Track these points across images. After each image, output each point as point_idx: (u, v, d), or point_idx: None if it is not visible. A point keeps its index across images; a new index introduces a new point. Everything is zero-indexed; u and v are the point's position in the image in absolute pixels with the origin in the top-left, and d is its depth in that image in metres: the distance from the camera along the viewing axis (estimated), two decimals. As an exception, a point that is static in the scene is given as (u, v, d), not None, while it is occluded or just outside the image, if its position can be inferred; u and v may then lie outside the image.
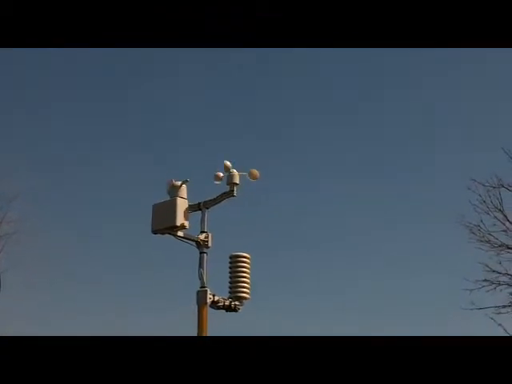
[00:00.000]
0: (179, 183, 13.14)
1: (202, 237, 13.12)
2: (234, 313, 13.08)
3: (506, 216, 18.56)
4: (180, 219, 12.89)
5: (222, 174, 13.25)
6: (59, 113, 38.91)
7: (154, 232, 13.13)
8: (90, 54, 34.12)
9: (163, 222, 13.02)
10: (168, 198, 13.18)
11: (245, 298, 13.11)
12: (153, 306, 31.12)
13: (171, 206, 12.98)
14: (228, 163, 13.26)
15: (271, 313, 29.55)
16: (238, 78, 39.02)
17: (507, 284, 18.21)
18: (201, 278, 12.92)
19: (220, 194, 13.36)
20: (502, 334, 17.22)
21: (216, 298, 12.83)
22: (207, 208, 13.34)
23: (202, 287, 12.88)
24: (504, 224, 18.55)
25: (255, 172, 13.33)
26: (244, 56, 38.23)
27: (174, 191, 13.11)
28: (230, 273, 13.23)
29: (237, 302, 13.03)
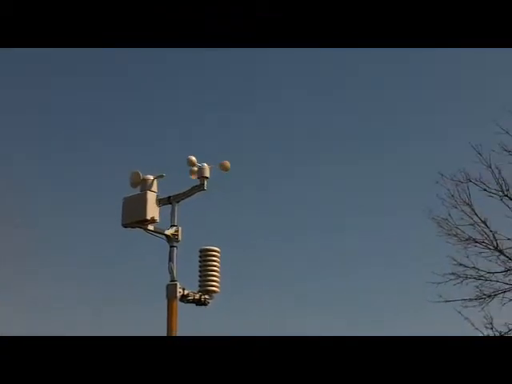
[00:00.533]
0: (152, 178, 13.11)
1: (172, 231, 13.07)
2: (203, 306, 13.10)
3: (473, 210, 18.73)
4: (150, 213, 12.83)
5: (196, 168, 13.24)
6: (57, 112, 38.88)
7: (124, 225, 13.07)
8: (90, 54, 34.11)
9: (133, 216, 12.95)
10: (136, 192, 13.13)
11: (214, 292, 13.11)
12: (122, 300, 31.03)
13: (141, 200, 12.92)
14: (193, 158, 13.25)
15: (241, 306, 29.54)
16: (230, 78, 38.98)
17: (474, 278, 18.37)
18: (171, 271, 12.89)
19: (190, 187, 13.34)
20: (468, 327, 17.35)
21: (186, 292, 12.81)
22: (177, 202, 13.28)
23: (171, 281, 12.84)
24: (472, 218, 18.72)
25: (226, 163, 13.33)
26: (244, 56, 38.23)
27: (144, 185, 13.09)
28: (199, 267, 13.19)
29: (206, 296, 13.01)
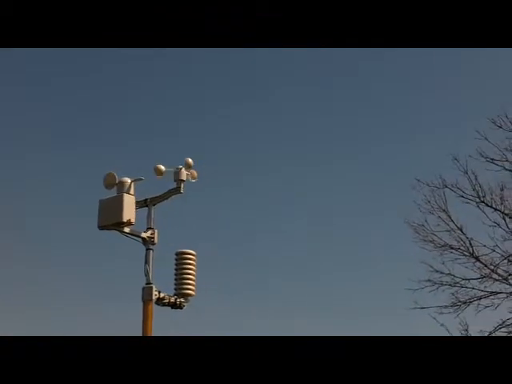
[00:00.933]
0: (129, 180, 13.10)
1: (148, 233, 13.13)
2: (178, 310, 13.11)
3: (449, 216, 18.69)
4: (126, 215, 12.84)
5: (164, 168, 13.25)
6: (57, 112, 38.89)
7: (101, 228, 13.08)
8: (90, 54, 34.12)
9: (110, 218, 12.97)
10: (111, 194, 13.16)
11: (190, 295, 13.16)
12: (98, 302, 31.10)
13: (118, 202, 12.93)
14: (161, 167, 13.26)
15: (216, 310, 29.61)
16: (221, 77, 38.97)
17: (449, 284, 18.33)
18: (146, 274, 12.92)
19: (167, 190, 13.38)
20: (444, 333, 17.33)
21: (161, 295, 12.86)
22: (154, 205, 13.35)
23: (147, 283, 12.89)
24: (448, 224, 18.69)
25: (194, 173, 13.39)
26: (244, 56, 38.24)
27: (121, 187, 13.08)
28: (175, 270, 13.26)
29: (182, 299, 13.06)
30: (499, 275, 17.95)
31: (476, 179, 18.39)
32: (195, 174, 13.44)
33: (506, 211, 18.09)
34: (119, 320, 27.30)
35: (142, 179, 13.20)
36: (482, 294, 18.10)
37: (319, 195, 36.41)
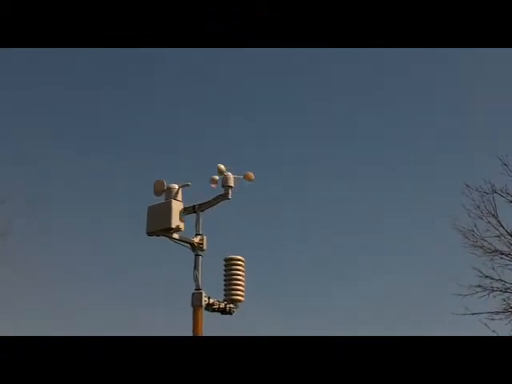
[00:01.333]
0: (177, 186, 13.17)
1: (197, 239, 13.13)
2: (228, 315, 13.11)
3: (499, 221, 18.55)
4: (175, 221, 12.89)
5: (217, 177, 13.29)
6: (58, 113, 38.89)
7: (149, 234, 13.13)
8: (90, 54, 34.10)
9: (158, 224, 13.01)
10: (161, 200, 13.21)
11: (239, 301, 13.14)
12: (147, 308, 31.14)
13: (166, 208, 12.98)
14: (222, 166, 13.30)
15: (266, 315, 29.56)
16: (236, 78, 38.98)
17: (500, 290, 18.13)
18: (196, 280, 12.92)
19: (215, 196, 13.40)
20: None
21: (211, 301, 12.85)
22: (202, 210, 13.36)
23: (196, 289, 12.87)
24: (497, 229, 18.52)
25: (250, 174, 13.38)
26: (244, 56, 38.22)
27: (169, 194, 13.15)
28: (224, 276, 13.26)
29: (231, 305, 13.05)
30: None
31: None
32: (252, 175, 13.40)
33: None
34: (169, 326, 27.29)
35: (188, 185, 13.24)
36: None
37: (369, 200, 36.38)
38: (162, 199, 13.28)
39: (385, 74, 38.49)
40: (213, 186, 13.29)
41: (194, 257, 13.10)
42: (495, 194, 18.65)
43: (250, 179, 13.40)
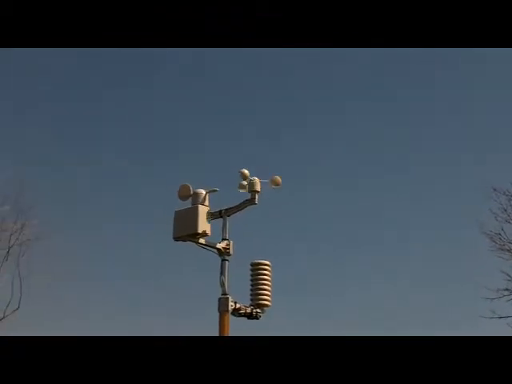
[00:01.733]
0: (204, 192, 13.14)
1: (224, 244, 13.12)
2: (255, 320, 13.09)
3: None
4: (202, 226, 12.88)
5: (245, 183, 13.24)
6: (63, 114, 38.87)
7: (176, 239, 13.12)
8: (90, 54, 34.09)
9: (185, 229, 13.01)
10: (187, 205, 13.21)
11: (266, 306, 13.12)
12: (174, 313, 31.20)
13: (193, 213, 12.98)
14: (246, 171, 13.27)
15: (292, 320, 29.56)
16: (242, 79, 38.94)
17: None
18: (222, 285, 12.91)
19: (241, 201, 13.38)
20: None
21: (237, 306, 12.83)
22: (228, 215, 13.36)
23: (223, 294, 12.87)
24: None
25: (277, 179, 13.33)
26: (244, 56, 38.17)
27: (195, 198, 13.13)
28: (251, 280, 13.24)
29: (258, 310, 13.03)
30: None
31: None
32: (279, 180, 13.36)
33: None
34: (196, 331, 27.34)
35: (216, 190, 13.22)
36: None
37: (396, 204, 36.41)
38: (187, 204, 13.26)
39: (385, 74, 38.45)
40: (241, 190, 13.25)
41: (220, 262, 13.10)
42: None
43: (277, 184, 13.36)
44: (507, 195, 18.73)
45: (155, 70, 38.79)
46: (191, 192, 13.22)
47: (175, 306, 31.74)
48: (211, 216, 13.13)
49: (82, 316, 30.28)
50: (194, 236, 12.95)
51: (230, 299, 12.80)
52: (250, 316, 13.00)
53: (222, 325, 12.68)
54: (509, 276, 18.14)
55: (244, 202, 13.34)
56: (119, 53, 35.48)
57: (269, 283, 13.19)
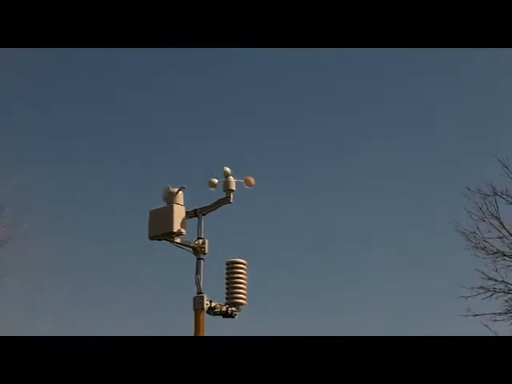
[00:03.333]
0: (176, 190, 13.19)
1: (199, 243, 13.15)
2: (230, 319, 13.11)
3: (502, 223, 18.65)
4: (177, 225, 12.91)
5: (216, 181, 13.31)
6: (57, 113, 38.87)
7: (151, 238, 13.16)
8: (90, 54, 34.10)
9: (160, 229, 13.05)
10: (164, 205, 13.25)
11: (241, 304, 13.12)
12: (149, 312, 31.19)
13: (168, 213, 13.01)
14: (227, 169, 13.31)
15: (268, 319, 29.53)
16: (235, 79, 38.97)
17: (503, 291, 18.25)
18: (197, 283, 12.91)
19: (216, 200, 13.40)
20: None
21: (213, 304, 12.83)
22: (204, 214, 13.37)
23: (198, 293, 12.86)
24: (500, 231, 18.64)
25: (251, 179, 13.39)
26: (244, 56, 38.22)
27: (170, 198, 13.17)
28: (226, 279, 13.23)
29: (233, 308, 13.03)
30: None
31: None
32: (252, 180, 13.40)
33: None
34: (171, 330, 27.34)
35: (184, 188, 13.24)
36: None
37: (370, 202, 36.48)
38: (163, 203, 13.28)
39: (385, 73, 38.50)
40: (211, 189, 13.31)
41: (195, 260, 13.10)
42: (496, 196, 18.76)
43: (250, 184, 13.42)
44: (481, 194, 18.90)
45: (155, 70, 38.76)
46: (168, 191, 13.23)
47: (150, 305, 31.73)
48: (186, 215, 13.13)
49: (56, 315, 30.25)
50: (169, 235, 12.95)
51: (206, 298, 12.75)
52: (225, 315, 12.95)
53: (197, 323, 12.63)
54: (484, 274, 18.32)
55: (219, 201, 13.36)
56: (119, 53, 35.46)
57: (244, 282, 13.16)
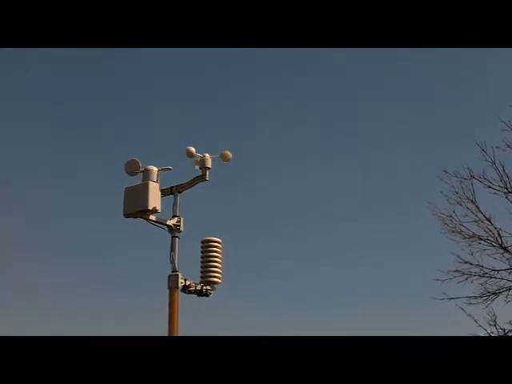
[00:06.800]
0: (156, 169, 13.07)
1: (174, 221, 13.08)
2: (205, 297, 13.08)
3: (478, 207, 18.74)
4: (152, 203, 12.81)
5: (197, 159, 13.21)
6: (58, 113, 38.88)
7: (126, 215, 13.05)
8: (90, 54, 34.10)
9: (135, 206, 12.95)
10: (137, 181, 13.14)
11: (216, 283, 13.12)
12: (124, 290, 31.14)
13: (143, 190, 12.89)
14: (192, 148, 13.21)
15: (242, 298, 29.58)
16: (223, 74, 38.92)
17: (478, 275, 18.41)
18: (172, 262, 12.88)
19: (192, 178, 13.34)
20: (471, 324, 17.42)
21: (187, 283, 12.81)
22: (179, 192, 13.30)
23: (173, 271, 12.85)
24: (476, 215, 18.70)
25: (228, 154, 13.32)
26: (244, 56, 38.24)
27: (146, 175, 13.06)
28: (201, 257, 13.21)
29: (208, 287, 13.02)
30: (528, 266, 18.02)
31: (504, 170, 18.25)
32: (229, 154, 13.30)
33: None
34: (146, 308, 27.35)
35: (170, 169, 13.16)
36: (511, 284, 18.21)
37: (347, 186, 36.47)
38: (137, 180, 13.15)
39: (385, 73, 38.52)
40: (197, 167, 13.21)
41: (170, 239, 13.06)
42: (473, 180, 18.87)
43: (227, 159, 13.35)
44: (458, 177, 19.00)
45: (155, 70, 38.79)
46: (140, 167, 13.12)
47: (124, 284, 31.70)
48: (162, 193, 13.04)
49: (27, 298, 30.23)
50: (144, 213, 12.87)
51: (180, 276, 12.77)
52: (199, 293, 12.99)
53: (171, 302, 12.67)
54: (459, 258, 18.46)
55: (195, 179, 13.30)
56: (119, 53, 35.48)
57: (219, 260, 13.16)
